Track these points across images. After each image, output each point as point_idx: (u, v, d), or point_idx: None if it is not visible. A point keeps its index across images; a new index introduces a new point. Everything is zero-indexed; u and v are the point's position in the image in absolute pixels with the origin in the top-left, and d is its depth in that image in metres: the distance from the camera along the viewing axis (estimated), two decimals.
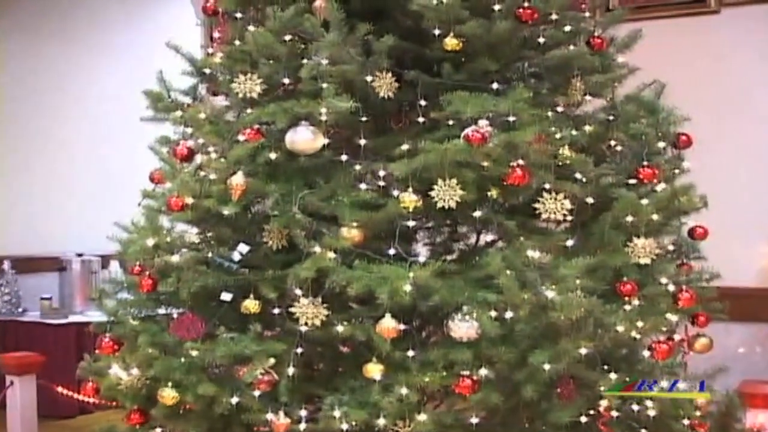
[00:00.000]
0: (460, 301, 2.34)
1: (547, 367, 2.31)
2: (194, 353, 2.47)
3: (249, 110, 2.55)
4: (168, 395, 2.48)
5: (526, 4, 2.59)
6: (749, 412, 3.23)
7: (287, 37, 2.58)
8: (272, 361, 2.42)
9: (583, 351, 2.34)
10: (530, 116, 2.41)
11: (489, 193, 2.43)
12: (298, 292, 2.39)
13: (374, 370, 2.34)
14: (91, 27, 7.44)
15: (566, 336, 2.33)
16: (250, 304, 2.49)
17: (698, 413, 2.72)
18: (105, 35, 7.48)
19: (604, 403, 2.49)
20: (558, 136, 2.53)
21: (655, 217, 2.58)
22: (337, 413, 2.34)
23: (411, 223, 2.36)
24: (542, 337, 2.36)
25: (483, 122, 2.32)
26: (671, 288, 2.62)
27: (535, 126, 2.39)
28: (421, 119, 2.50)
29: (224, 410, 2.46)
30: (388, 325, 2.28)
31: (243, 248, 2.56)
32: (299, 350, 2.39)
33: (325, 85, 2.43)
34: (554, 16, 2.70)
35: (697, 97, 3.74)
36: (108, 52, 7.46)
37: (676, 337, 2.74)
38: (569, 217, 2.47)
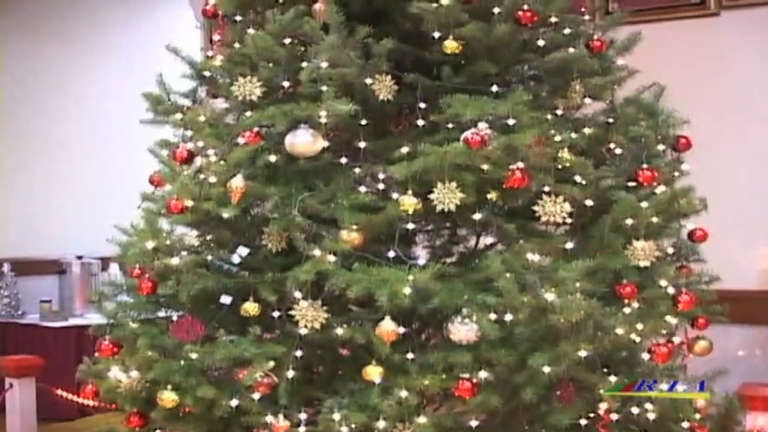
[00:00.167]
0: (460, 303, 2.34)
1: (546, 369, 2.30)
2: (194, 356, 2.47)
3: (248, 113, 2.55)
4: (167, 398, 2.48)
5: (525, 7, 2.59)
6: (749, 415, 3.23)
7: (287, 40, 2.58)
8: (272, 363, 2.41)
9: (583, 354, 2.34)
10: (530, 119, 2.41)
11: (488, 196, 2.43)
12: (298, 294, 2.39)
13: (374, 372, 2.34)
14: (91, 27, 7.44)
15: (566, 339, 2.33)
16: (250, 307, 2.49)
17: (698, 416, 2.72)
18: (105, 35, 7.48)
19: (603, 405, 2.48)
20: (557, 138, 2.52)
21: (654, 219, 2.58)
22: (336, 416, 2.34)
23: (410, 226, 2.36)
24: (542, 339, 2.36)
25: (482, 125, 2.32)
26: (671, 291, 2.61)
27: (535, 129, 2.39)
28: (420, 122, 2.50)
29: (224, 413, 2.46)
30: (388, 327, 2.28)
31: (242, 251, 2.56)
32: (299, 353, 2.39)
33: (324, 88, 2.43)
34: (554, 19, 2.70)
35: (697, 99, 3.74)
36: (108, 52, 7.46)
37: (676, 339, 2.73)
38: (569, 220, 2.47)
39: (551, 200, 2.45)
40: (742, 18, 4.60)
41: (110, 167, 7.21)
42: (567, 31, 2.73)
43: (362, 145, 2.49)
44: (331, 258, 2.36)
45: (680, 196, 2.73)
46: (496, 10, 2.57)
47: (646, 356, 2.60)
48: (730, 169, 4.46)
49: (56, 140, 7.20)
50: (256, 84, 2.55)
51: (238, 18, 2.78)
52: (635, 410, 2.55)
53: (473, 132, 2.29)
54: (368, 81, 2.49)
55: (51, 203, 7.13)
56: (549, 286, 2.30)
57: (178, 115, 2.78)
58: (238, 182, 2.43)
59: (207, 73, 2.84)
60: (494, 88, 2.52)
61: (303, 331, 2.36)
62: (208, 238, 2.71)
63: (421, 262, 2.42)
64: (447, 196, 2.32)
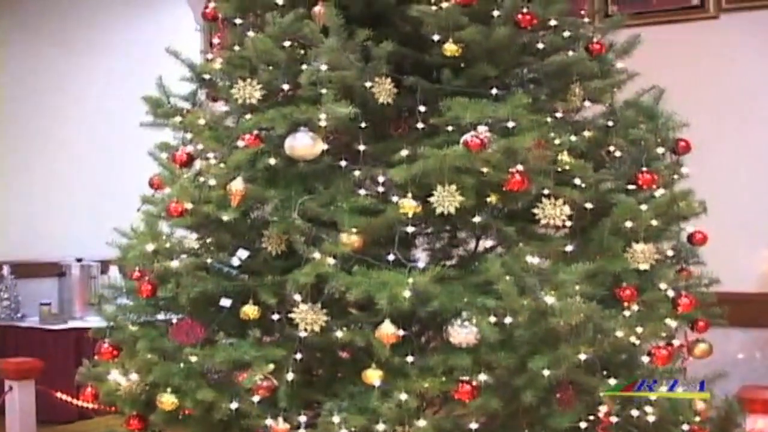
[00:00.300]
0: (460, 306, 2.34)
1: (546, 372, 2.30)
2: (193, 359, 2.47)
3: (248, 116, 2.55)
4: (167, 401, 2.48)
5: (525, 10, 2.59)
6: (749, 418, 3.22)
7: (287, 43, 2.58)
8: (271, 366, 2.41)
9: (583, 356, 2.34)
10: (529, 122, 2.41)
11: (488, 199, 2.43)
12: (298, 297, 2.39)
13: (373, 375, 2.34)
14: (91, 27, 7.45)
15: (565, 341, 2.33)
16: (250, 310, 2.49)
17: (698, 418, 2.72)
18: (105, 35, 7.49)
19: (603, 408, 2.49)
20: (557, 141, 2.53)
21: (654, 222, 2.58)
22: (336, 419, 2.34)
23: (410, 229, 2.37)
24: (541, 342, 2.36)
25: (482, 128, 2.32)
26: (671, 293, 2.62)
27: (535, 132, 2.40)
28: (420, 125, 2.50)
29: (223, 416, 2.46)
30: (388, 330, 2.29)
31: (242, 254, 2.56)
32: (298, 356, 2.39)
33: (324, 91, 2.43)
34: (553, 22, 2.70)
35: (696, 102, 3.73)
36: (108, 52, 7.46)
37: (676, 342, 2.73)
38: (568, 223, 2.47)
39: (551, 203, 2.45)
40: (742, 19, 4.60)
41: (110, 168, 7.21)
42: (566, 34, 2.73)
43: (362, 148, 2.49)
44: (331, 261, 2.36)
45: (680, 199, 2.73)
46: (496, 13, 2.57)
47: (645, 359, 2.60)
48: (730, 170, 4.46)
49: (56, 140, 7.21)
50: (255, 87, 2.55)
51: (238, 21, 2.78)
52: (635, 413, 2.55)
53: (473, 135, 2.29)
54: (368, 84, 2.49)
55: (51, 204, 7.13)
56: (549, 289, 2.30)
57: (178, 118, 2.78)
58: (237, 185, 2.43)
59: (207, 76, 2.84)
60: (494, 91, 2.52)
61: (303, 334, 2.37)
62: (208, 241, 2.71)
63: (421, 265, 2.43)
64: (447, 199, 2.31)
